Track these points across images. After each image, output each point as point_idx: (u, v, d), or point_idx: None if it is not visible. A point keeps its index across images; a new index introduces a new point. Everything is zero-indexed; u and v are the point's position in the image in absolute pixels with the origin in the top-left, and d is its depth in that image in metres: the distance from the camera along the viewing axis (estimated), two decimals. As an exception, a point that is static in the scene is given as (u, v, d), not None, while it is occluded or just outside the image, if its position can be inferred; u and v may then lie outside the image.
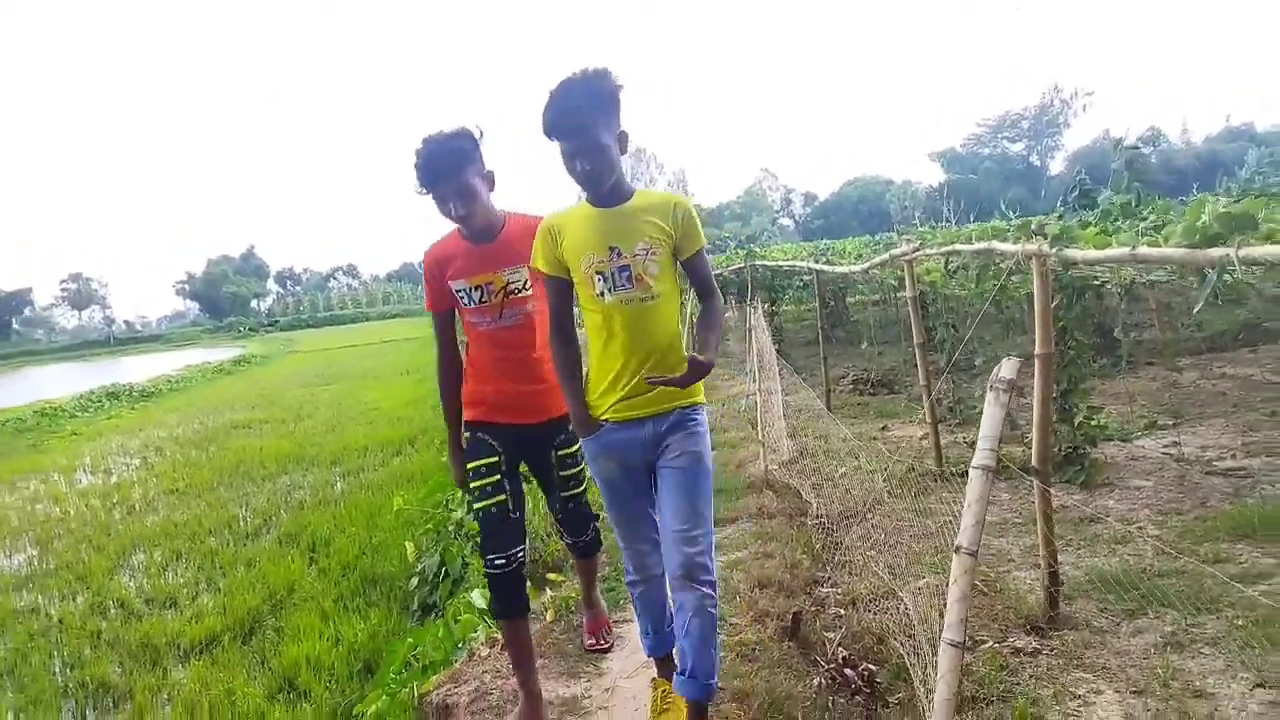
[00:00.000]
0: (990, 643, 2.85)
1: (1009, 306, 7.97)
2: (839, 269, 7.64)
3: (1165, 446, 5.17)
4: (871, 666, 2.68)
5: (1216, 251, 1.77)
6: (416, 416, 11.68)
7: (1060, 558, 3.35)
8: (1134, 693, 2.50)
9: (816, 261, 9.46)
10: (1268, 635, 2.68)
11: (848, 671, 2.65)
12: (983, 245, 3.52)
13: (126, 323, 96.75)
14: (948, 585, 1.95)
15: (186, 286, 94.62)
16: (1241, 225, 1.83)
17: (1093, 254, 2.38)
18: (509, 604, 2.63)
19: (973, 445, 5.12)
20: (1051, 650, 2.80)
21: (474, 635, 3.47)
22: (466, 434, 2.70)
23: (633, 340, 2.19)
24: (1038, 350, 2.92)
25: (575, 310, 2.37)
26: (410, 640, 3.72)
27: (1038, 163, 75.32)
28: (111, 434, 14.48)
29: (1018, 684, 2.62)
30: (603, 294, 2.18)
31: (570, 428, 2.62)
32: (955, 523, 2.94)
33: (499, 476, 2.60)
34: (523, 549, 2.63)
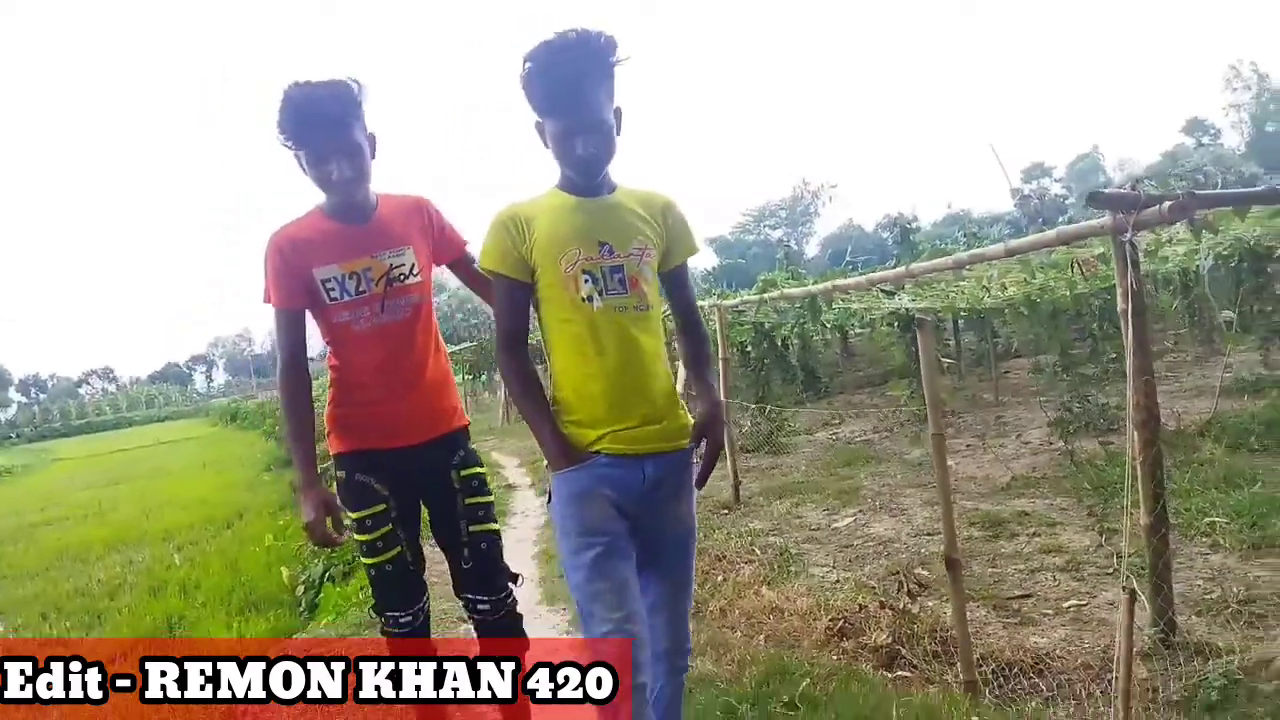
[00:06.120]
0: (703, 513, 5.27)
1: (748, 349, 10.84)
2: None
3: (830, 435, 8.05)
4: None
5: (737, 299, 4.27)
6: (235, 499, 10.99)
7: (751, 485, 5.86)
8: (769, 523, 4.99)
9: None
10: (846, 497, 5.36)
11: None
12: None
13: None
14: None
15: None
16: (771, 286, 4.38)
17: (728, 302, 4.93)
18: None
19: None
20: (735, 514, 5.31)
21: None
22: (340, 472, 2.21)
23: (626, 359, 1.81)
24: (722, 355, 5.41)
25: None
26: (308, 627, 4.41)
27: (795, 247, 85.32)
28: (-109, 544, 13.48)
29: (713, 526, 5.03)
30: (590, 299, 1.80)
31: (466, 446, 2.28)
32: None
33: (389, 526, 2.18)
34: (426, 599, 2.28)
